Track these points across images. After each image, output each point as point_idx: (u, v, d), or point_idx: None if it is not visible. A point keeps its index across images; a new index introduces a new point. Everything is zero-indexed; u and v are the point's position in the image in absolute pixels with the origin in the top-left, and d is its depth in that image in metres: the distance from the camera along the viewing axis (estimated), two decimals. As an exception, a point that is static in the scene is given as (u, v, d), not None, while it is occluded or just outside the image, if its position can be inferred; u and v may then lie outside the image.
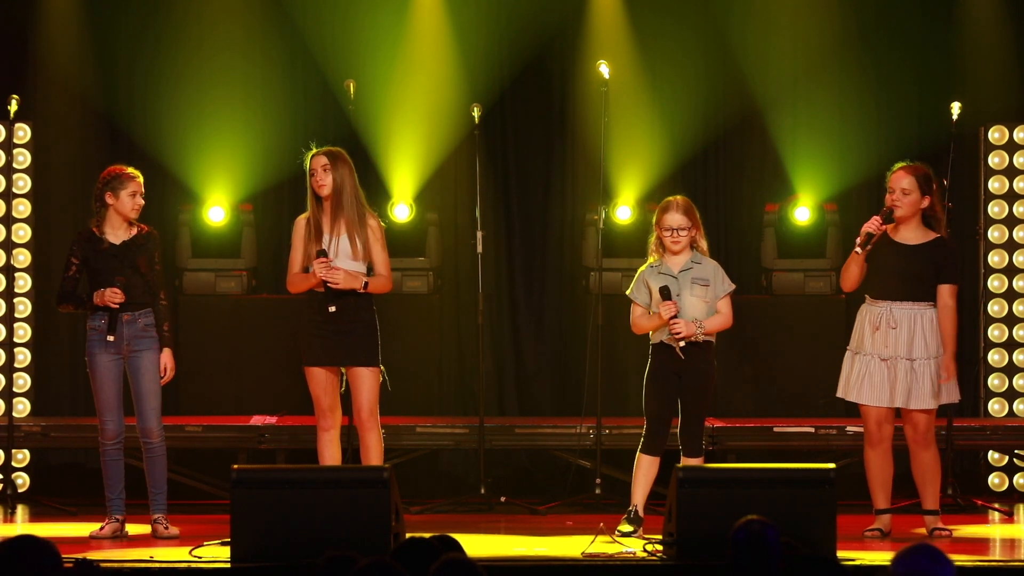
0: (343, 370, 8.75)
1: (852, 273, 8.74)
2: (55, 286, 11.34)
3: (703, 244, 8.75)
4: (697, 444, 8.69)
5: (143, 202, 8.81)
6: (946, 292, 8.69)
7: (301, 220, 8.82)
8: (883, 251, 8.69)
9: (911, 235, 8.73)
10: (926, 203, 8.70)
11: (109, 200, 8.78)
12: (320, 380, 8.71)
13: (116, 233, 8.80)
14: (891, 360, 8.64)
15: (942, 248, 8.73)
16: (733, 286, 8.76)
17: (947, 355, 8.67)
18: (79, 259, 8.80)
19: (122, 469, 8.81)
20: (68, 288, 8.82)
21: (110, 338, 8.68)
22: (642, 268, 8.80)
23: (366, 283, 8.70)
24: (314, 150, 8.80)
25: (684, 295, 8.62)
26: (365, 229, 8.73)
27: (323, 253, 8.63)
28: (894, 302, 8.67)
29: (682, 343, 8.54)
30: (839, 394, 8.83)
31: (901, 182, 8.69)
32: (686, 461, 8.57)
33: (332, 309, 8.63)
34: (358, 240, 8.71)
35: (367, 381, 8.71)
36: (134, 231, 8.82)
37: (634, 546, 8.14)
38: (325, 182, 8.72)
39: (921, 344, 8.64)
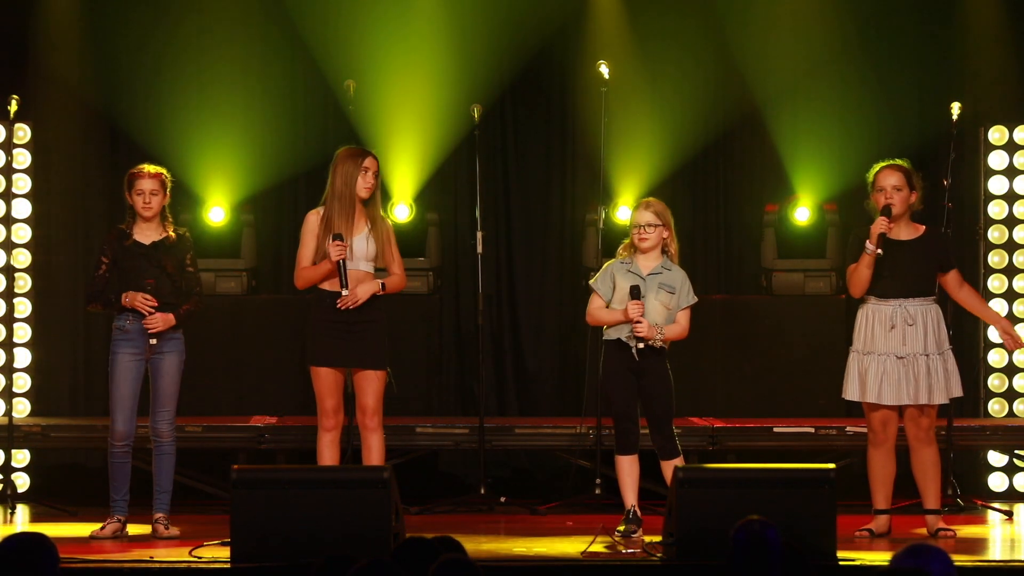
0: (349, 371, 8.75)
1: (866, 276, 8.72)
2: (55, 286, 11.45)
3: (673, 249, 8.80)
4: (672, 445, 8.69)
5: (152, 200, 8.75)
6: (956, 277, 8.78)
7: (314, 215, 8.80)
8: (885, 251, 8.69)
9: (904, 231, 8.79)
10: (914, 198, 8.77)
11: (129, 200, 8.81)
12: (327, 380, 8.70)
13: (145, 233, 8.80)
14: (908, 357, 8.66)
15: (940, 239, 8.85)
16: (695, 299, 8.81)
17: (1003, 324, 8.92)
18: (109, 258, 8.79)
19: (128, 472, 8.81)
20: (98, 288, 8.81)
21: (152, 341, 8.67)
22: (611, 262, 8.84)
23: (383, 284, 8.73)
24: (343, 147, 8.81)
25: (649, 298, 8.65)
26: (380, 231, 8.75)
27: (339, 237, 8.62)
28: (907, 299, 8.70)
29: (641, 344, 8.57)
30: (848, 396, 8.83)
31: (890, 179, 8.74)
32: (665, 464, 8.58)
33: (345, 292, 8.61)
34: (375, 242, 8.73)
35: (374, 383, 8.72)
36: (165, 233, 8.81)
37: (634, 546, 8.14)
38: (372, 184, 8.74)
39: (933, 339, 8.69)
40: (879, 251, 8.66)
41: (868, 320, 8.77)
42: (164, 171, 8.92)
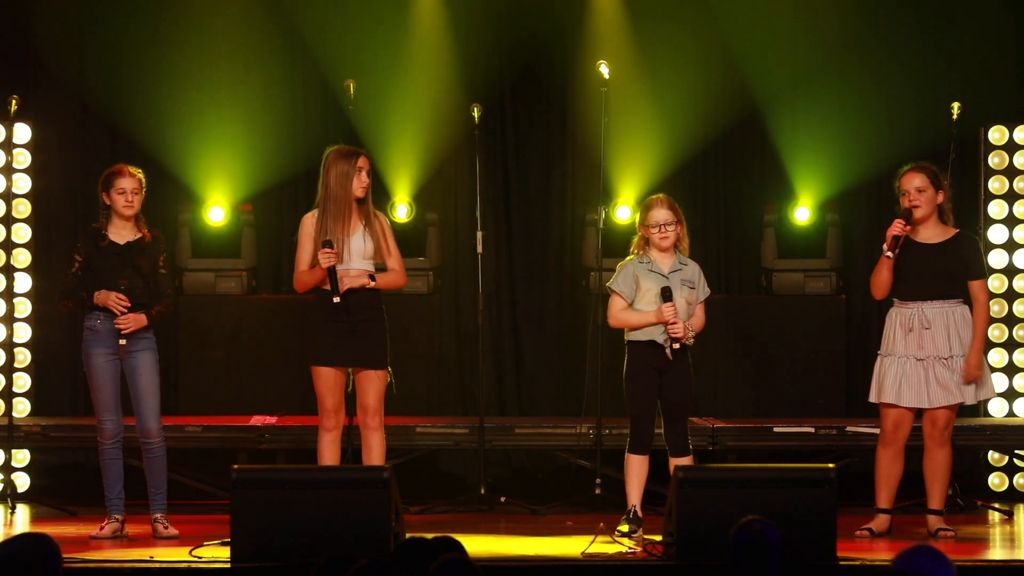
0: (350, 370, 8.75)
1: (884, 279, 8.73)
2: (55, 286, 11.43)
3: (686, 244, 8.79)
4: (685, 443, 8.71)
5: (134, 199, 8.73)
6: (977, 287, 8.78)
7: (309, 218, 8.80)
8: (907, 253, 8.71)
9: (931, 233, 8.77)
10: (941, 198, 8.76)
11: (106, 200, 8.79)
12: (327, 380, 8.70)
13: (120, 233, 8.79)
14: (927, 360, 8.67)
15: (966, 244, 8.81)
16: (709, 291, 8.81)
17: (973, 351, 8.71)
18: (82, 256, 8.78)
19: (121, 469, 8.81)
20: (70, 286, 8.79)
21: (122, 342, 8.67)
22: (626, 261, 8.79)
23: (372, 275, 8.70)
24: (332, 147, 8.79)
25: (675, 296, 8.64)
26: (375, 228, 8.75)
27: (328, 244, 8.62)
28: (925, 302, 8.70)
29: (676, 345, 8.56)
30: (872, 399, 8.83)
31: (914, 181, 8.74)
32: (675, 461, 8.58)
33: (336, 300, 8.61)
34: (371, 239, 8.72)
35: (375, 383, 8.71)
36: (140, 233, 8.80)
37: (634, 546, 8.14)
38: (366, 184, 8.73)
39: (956, 341, 8.69)
40: (889, 254, 8.66)
41: (892, 322, 8.80)
42: (140, 171, 8.90)
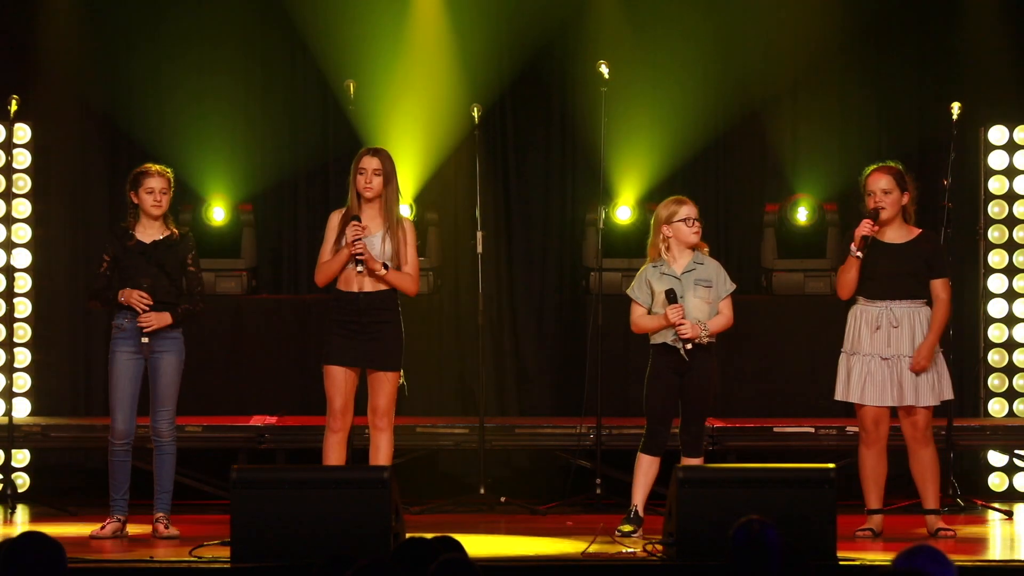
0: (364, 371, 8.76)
1: (852, 278, 8.72)
2: (55, 286, 11.45)
3: (703, 243, 8.79)
4: (698, 444, 8.72)
5: (162, 199, 8.78)
6: (939, 286, 8.76)
7: (336, 214, 8.82)
8: (873, 253, 8.71)
9: (895, 234, 8.77)
10: (906, 199, 8.75)
11: (134, 199, 8.82)
12: (337, 380, 8.69)
13: (148, 232, 8.82)
14: (893, 359, 8.66)
15: (930, 243, 8.82)
16: (734, 286, 8.80)
17: (927, 343, 8.65)
18: (111, 256, 8.80)
19: (129, 470, 8.81)
20: (99, 285, 8.81)
21: (144, 340, 8.68)
22: (643, 268, 8.81)
23: (386, 265, 8.67)
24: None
25: (688, 296, 8.63)
26: (398, 232, 8.74)
27: (357, 219, 8.63)
28: (893, 301, 8.69)
29: (688, 345, 8.56)
30: (838, 397, 8.83)
31: (879, 183, 8.73)
32: (686, 461, 8.59)
33: (359, 270, 8.60)
34: (390, 243, 8.71)
35: (387, 384, 8.70)
36: (167, 232, 8.82)
37: (634, 546, 8.14)
38: (373, 185, 8.72)
39: (921, 342, 8.66)
40: (859, 253, 8.66)
41: (856, 321, 8.79)
42: (169, 170, 8.94)
